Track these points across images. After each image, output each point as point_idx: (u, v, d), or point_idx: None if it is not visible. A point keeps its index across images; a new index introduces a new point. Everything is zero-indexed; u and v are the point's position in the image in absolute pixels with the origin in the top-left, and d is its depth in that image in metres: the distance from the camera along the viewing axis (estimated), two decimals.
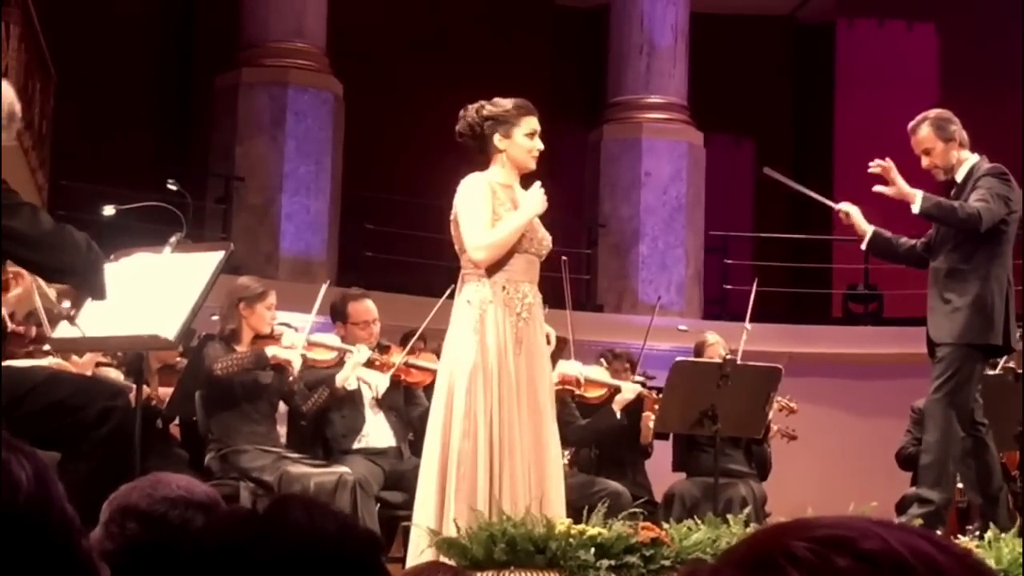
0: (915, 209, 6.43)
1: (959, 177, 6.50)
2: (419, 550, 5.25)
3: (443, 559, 4.95)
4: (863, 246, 6.71)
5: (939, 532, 5.71)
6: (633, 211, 14.08)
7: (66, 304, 4.84)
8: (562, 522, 5.05)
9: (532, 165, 5.60)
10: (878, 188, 6.53)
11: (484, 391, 5.32)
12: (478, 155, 5.61)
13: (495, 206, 5.48)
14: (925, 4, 15.31)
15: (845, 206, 6.63)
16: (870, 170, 6.55)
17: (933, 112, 6.63)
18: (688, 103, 14.36)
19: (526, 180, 5.66)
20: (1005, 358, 7.94)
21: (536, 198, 5.51)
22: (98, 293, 4.36)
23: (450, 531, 5.20)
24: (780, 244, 14.48)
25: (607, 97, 14.57)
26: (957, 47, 15.02)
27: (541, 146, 5.60)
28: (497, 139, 5.54)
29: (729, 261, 14.25)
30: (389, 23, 14.27)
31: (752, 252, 14.86)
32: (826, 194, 6.78)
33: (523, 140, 5.55)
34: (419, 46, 14.32)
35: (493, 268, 5.47)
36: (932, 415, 6.42)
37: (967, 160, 6.52)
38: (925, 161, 6.54)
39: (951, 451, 6.36)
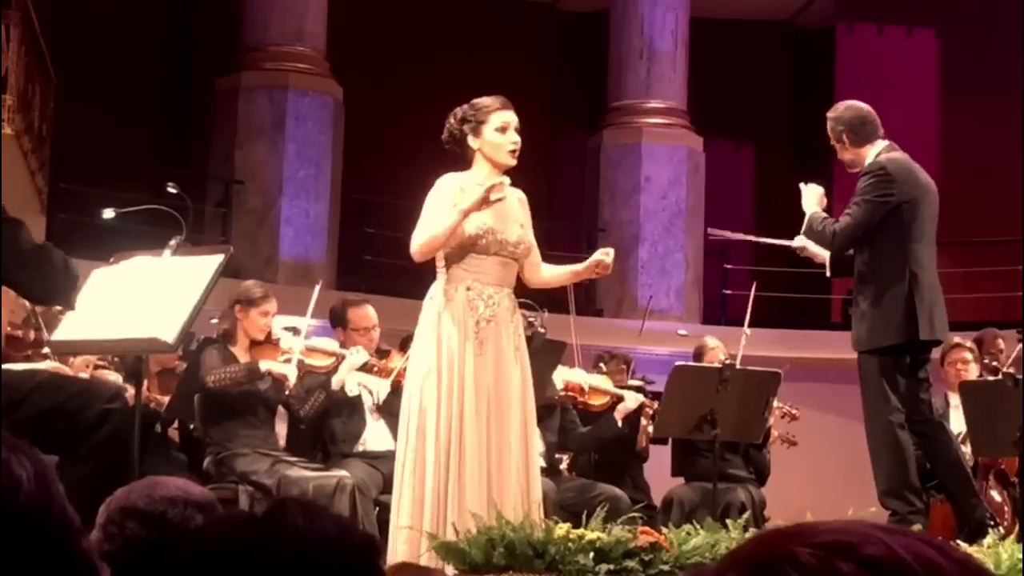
0: (802, 230, 6.58)
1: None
2: (394, 551, 5.25)
3: (444, 564, 4.95)
4: (828, 274, 6.72)
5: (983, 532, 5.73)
6: (633, 215, 14.08)
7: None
8: (561, 526, 5.05)
9: (508, 160, 5.47)
10: (803, 186, 6.68)
11: (437, 389, 5.32)
12: (461, 160, 5.59)
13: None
14: (925, 10, 15.31)
15: (798, 241, 6.67)
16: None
17: (833, 110, 6.63)
18: (688, 108, 14.37)
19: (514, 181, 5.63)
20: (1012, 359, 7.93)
21: (468, 196, 5.34)
22: (68, 307, 4.38)
23: (404, 521, 5.23)
24: (780, 249, 14.46)
25: (607, 102, 14.57)
26: (957, 53, 15.03)
27: (516, 139, 5.46)
28: (470, 139, 5.49)
29: (729, 266, 14.24)
30: (389, 27, 14.28)
31: (752, 257, 14.86)
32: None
33: (493, 135, 5.45)
34: (419, 50, 14.33)
35: (458, 268, 5.43)
36: (869, 430, 6.40)
37: (873, 149, 6.49)
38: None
39: (894, 458, 6.32)
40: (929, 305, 6.34)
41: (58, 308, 5.58)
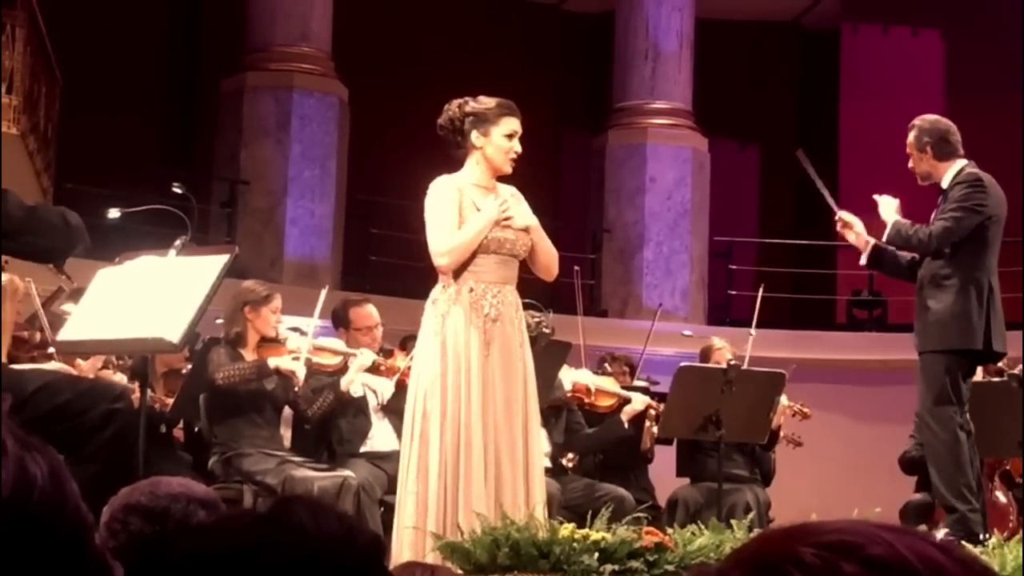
0: (884, 239, 6.56)
1: (945, 183, 6.55)
2: (398, 551, 5.25)
3: (449, 564, 4.95)
4: (862, 261, 6.72)
5: (975, 539, 5.72)
6: (638, 216, 14.07)
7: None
8: (566, 527, 5.05)
9: (508, 168, 5.53)
10: (877, 197, 6.65)
11: (442, 392, 5.32)
12: (455, 151, 5.59)
13: (462, 209, 5.46)
14: (930, 10, 15.30)
15: (847, 215, 6.65)
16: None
17: (922, 119, 6.69)
18: (693, 109, 14.36)
19: (506, 182, 5.64)
20: (1005, 361, 7.93)
21: (491, 206, 5.45)
22: (84, 251, 4.45)
23: (408, 522, 5.24)
24: (785, 249, 14.46)
25: (612, 102, 14.56)
26: (962, 53, 15.01)
27: (519, 148, 5.53)
28: (475, 136, 5.51)
29: (734, 267, 14.23)
30: (394, 28, 14.28)
31: (757, 258, 14.85)
32: (837, 201, 6.80)
33: (501, 140, 5.50)
34: (424, 50, 14.33)
35: (460, 270, 5.45)
36: (927, 426, 6.42)
37: (954, 167, 6.55)
38: (911, 162, 6.62)
39: (955, 456, 6.34)
40: (1000, 318, 6.49)
41: (63, 308, 5.59)
